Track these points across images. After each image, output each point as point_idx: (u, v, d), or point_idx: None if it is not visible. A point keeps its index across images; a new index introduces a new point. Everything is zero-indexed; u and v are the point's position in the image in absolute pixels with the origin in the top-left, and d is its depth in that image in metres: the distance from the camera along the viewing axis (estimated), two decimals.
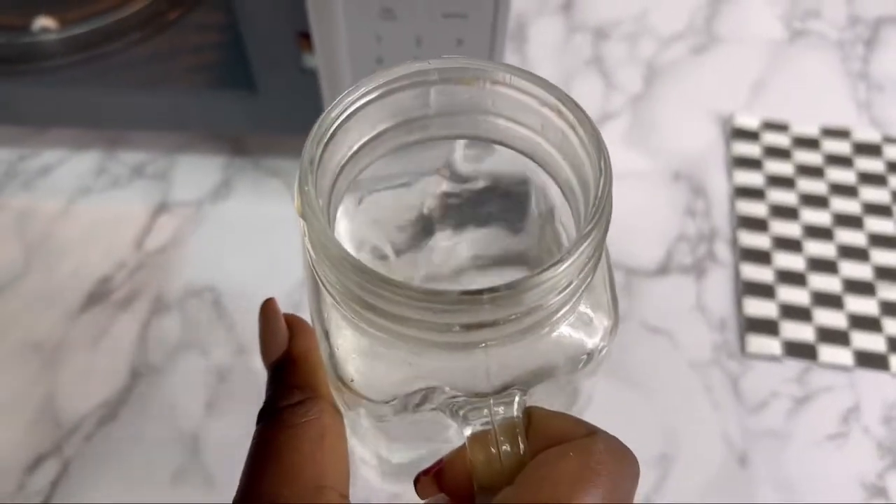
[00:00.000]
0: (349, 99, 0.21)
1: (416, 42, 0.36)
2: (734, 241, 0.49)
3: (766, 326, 0.45)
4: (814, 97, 0.56)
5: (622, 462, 0.19)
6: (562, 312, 0.19)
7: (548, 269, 0.18)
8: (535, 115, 0.22)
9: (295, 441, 0.20)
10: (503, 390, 0.21)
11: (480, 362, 0.20)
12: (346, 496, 0.20)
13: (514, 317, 0.18)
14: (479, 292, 0.17)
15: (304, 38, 0.40)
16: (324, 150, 0.20)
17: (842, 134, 0.53)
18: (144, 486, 0.40)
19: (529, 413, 0.21)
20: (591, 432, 0.20)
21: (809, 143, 0.53)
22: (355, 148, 0.22)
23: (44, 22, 0.47)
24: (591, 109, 0.55)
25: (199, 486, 0.40)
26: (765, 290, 0.46)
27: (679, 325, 0.46)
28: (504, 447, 0.20)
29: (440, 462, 0.21)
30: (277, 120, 0.46)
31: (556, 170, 0.22)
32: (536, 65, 0.58)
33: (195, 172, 0.51)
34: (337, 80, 0.39)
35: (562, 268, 0.18)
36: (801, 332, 0.45)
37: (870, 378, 0.44)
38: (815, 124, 0.54)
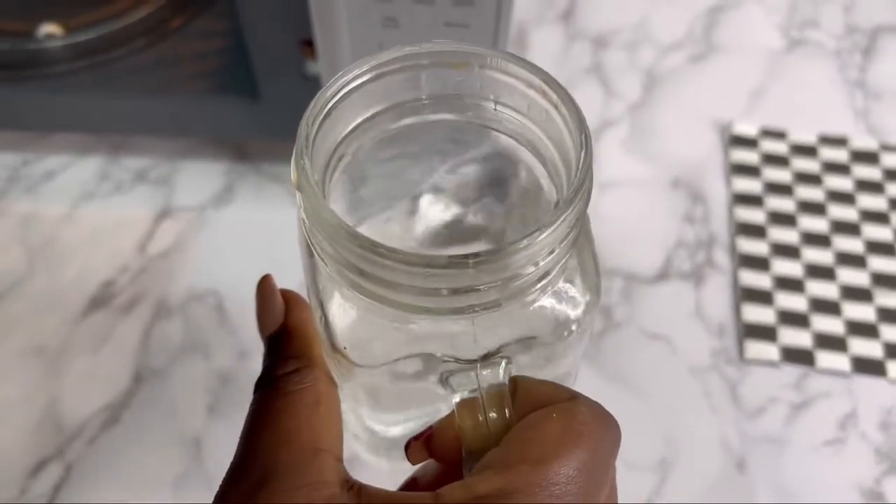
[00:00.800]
0: (343, 80, 0.21)
1: None
2: (733, 248, 0.49)
3: (765, 332, 0.45)
4: (811, 105, 0.57)
5: (604, 425, 0.20)
6: (545, 281, 0.20)
7: (530, 235, 0.18)
8: (522, 97, 0.22)
9: (291, 407, 0.21)
10: (489, 358, 0.21)
11: (467, 329, 0.21)
12: (340, 460, 0.21)
13: (498, 282, 0.19)
14: (465, 257, 0.18)
15: (307, 44, 0.41)
16: (319, 128, 0.21)
17: (839, 142, 0.54)
18: (146, 490, 0.41)
19: (514, 380, 0.21)
20: (573, 396, 0.20)
21: (807, 151, 0.53)
22: (350, 128, 0.22)
23: (49, 28, 0.48)
24: (591, 117, 0.56)
25: (201, 490, 0.40)
26: (763, 297, 0.46)
27: (678, 330, 0.46)
28: (491, 413, 0.21)
29: (430, 428, 0.22)
30: (280, 126, 0.46)
31: (541, 150, 0.23)
32: None
33: (198, 178, 0.52)
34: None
35: (543, 235, 0.19)
36: (799, 338, 0.45)
37: (867, 384, 0.44)
38: (813, 132, 0.54)
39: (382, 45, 0.36)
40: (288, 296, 0.24)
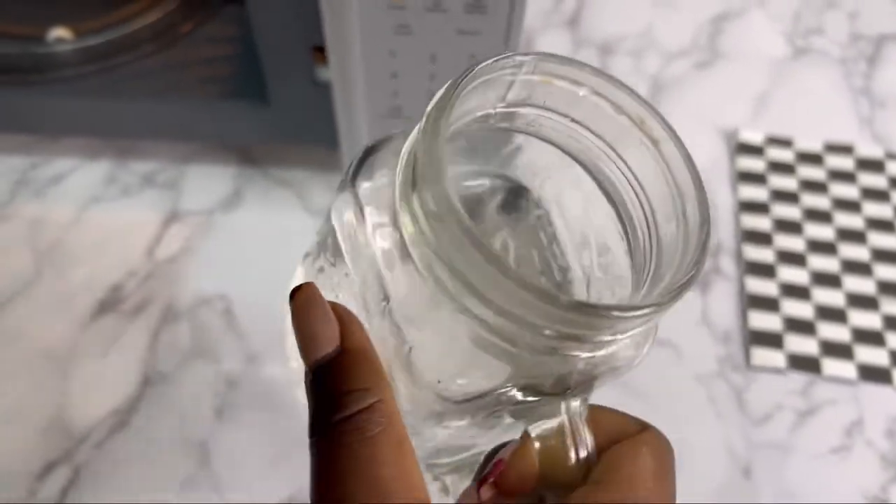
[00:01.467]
0: (463, 84, 0.20)
1: (430, 58, 0.36)
2: (739, 255, 0.49)
3: (771, 339, 0.45)
4: (817, 113, 0.57)
5: (671, 450, 0.21)
6: (635, 333, 0.20)
7: (659, 305, 0.18)
8: (610, 122, 0.21)
9: (379, 452, 0.18)
10: (567, 391, 0.21)
11: (558, 366, 0.20)
12: None
13: (610, 336, 0.19)
14: (596, 306, 0.18)
15: (318, 51, 0.41)
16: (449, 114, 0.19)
17: (845, 150, 0.54)
18: (154, 494, 0.41)
19: (591, 408, 0.22)
20: (645, 426, 0.21)
21: (813, 159, 0.53)
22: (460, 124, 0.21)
23: (59, 32, 0.48)
24: None
25: (208, 494, 0.41)
26: (769, 304, 0.47)
27: (684, 337, 0.46)
28: (576, 445, 0.21)
29: (501, 462, 0.21)
30: (289, 131, 0.46)
31: (612, 182, 0.22)
32: None
33: (205, 182, 0.52)
34: (350, 93, 0.39)
35: (665, 307, 0.19)
36: (805, 345, 0.45)
37: (873, 391, 0.44)
38: (819, 140, 0.54)
39: (394, 53, 0.36)
40: (339, 310, 0.20)
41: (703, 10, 0.63)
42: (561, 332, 0.18)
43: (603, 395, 0.43)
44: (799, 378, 0.45)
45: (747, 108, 0.57)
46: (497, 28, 0.35)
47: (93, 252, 0.49)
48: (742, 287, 0.48)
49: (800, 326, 0.46)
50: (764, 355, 0.45)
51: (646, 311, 0.18)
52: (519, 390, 0.21)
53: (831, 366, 0.45)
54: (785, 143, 0.54)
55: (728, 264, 0.49)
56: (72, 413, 0.43)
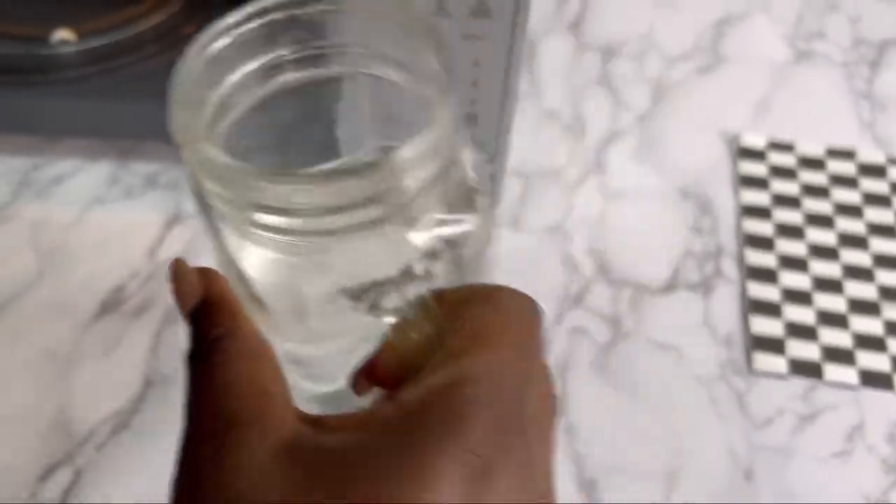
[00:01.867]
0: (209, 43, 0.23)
1: None
2: (741, 259, 0.49)
3: (773, 344, 0.45)
4: (819, 116, 0.57)
5: (523, 304, 0.21)
6: (433, 190, 0.21)
7: (414, 141, 0.20)
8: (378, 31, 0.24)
9: (233, 365, 0.21)
10: (408, 276, 0.22)
11: (378, 248, 0.22)
12: (291, 401, 0.21)
13: (393, 193, 0.20)
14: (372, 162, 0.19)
15: None
16: (194, 84, 0.22)
17: (847, 154, 0.54)
18: (156, 495, 0.41)
19: (437, 292, 0.22)
20: (497, 287, 0.22)
21: (815, 164, 0.53)
22: (224, 87, 0.24)
23: (62, 34, 0.48)
24: (600, 127, 0.56)
25: None
26: (771, 308, 0.47)
27: (686, 341, 0.46)
28: (424, 326, 0.21)
29: (371, 358, 0.23)
30: None
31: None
32: (545, 83, 0.58)
33: None
34: (353, 96, 0.39)
35: (425, 137, 0.20)
36: (807, 350, 0.45)
37: (875, 397, 0.44)
38: (820, 144, 0.54)
39: None
40: (202, 270, 0.24)
41: (705, 12, 0.63)
42: (330, 207, 0.20)
43: (609, 400, 0.43)
44: (800, 382, 0.45)
45: (749, 112, 0.57)
46: (502, 32, 0.35)
47: (94, 253, 0.49)
48: (744, 291, 0.48)
49: (801, 331, 0.46)
50: (766, 360, 0.45)
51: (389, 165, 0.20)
52: (351, 283, 0.22)
53: (833, 371, 0.45)
54: (787, 147, 0.54)
55: (730, 268, 0.49)
56: (73, 414, 0.43)
